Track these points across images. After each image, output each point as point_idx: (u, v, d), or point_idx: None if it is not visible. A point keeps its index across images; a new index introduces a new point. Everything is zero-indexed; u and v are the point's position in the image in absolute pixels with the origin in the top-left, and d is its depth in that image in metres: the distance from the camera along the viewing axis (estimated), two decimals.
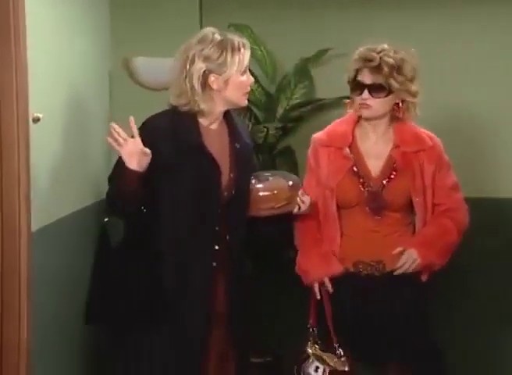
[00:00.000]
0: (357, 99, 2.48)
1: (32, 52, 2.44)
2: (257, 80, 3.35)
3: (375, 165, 2.53)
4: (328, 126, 2.63)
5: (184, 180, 2.33)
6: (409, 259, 2.47)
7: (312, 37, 3.35)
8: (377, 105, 2.48)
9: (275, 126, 3.29)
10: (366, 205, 2.49)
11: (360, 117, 2.56)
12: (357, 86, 2.48)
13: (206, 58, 2.33)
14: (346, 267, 2.53)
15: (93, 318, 2.38)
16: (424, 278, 2.55)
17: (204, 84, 2.34)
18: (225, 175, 2.39)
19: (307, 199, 2.44)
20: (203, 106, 2.35)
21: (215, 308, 2.41)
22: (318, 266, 2.52)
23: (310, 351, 2.51)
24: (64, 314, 2.77)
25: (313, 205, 2.50)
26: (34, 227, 2.49)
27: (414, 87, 2.48)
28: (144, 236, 2.33)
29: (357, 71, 2.48)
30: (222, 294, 2.41)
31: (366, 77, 2.46)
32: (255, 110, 3.40)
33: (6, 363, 2.41)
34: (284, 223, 2.50)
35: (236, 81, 2.37)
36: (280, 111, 3.37)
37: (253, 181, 2.42)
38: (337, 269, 2.51)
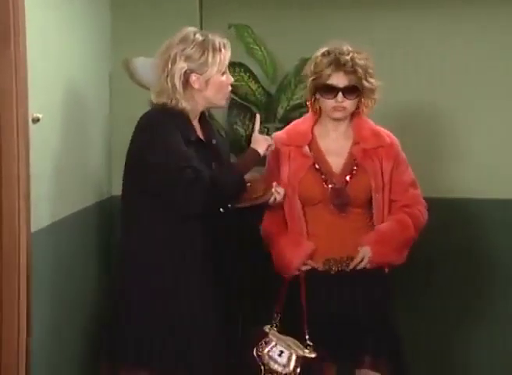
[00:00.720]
0: (330, 102, 2.53)
1: (32, 53, 2.44)
2: (257, 81, 3.37)
3: (336, 162, 2.58)
4: (289, 126, 2.69)
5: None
6: (363, 256, 2.51)
7: (313, 37, 3.28)
8: (350, 106, 2.55)
9: (275, 127, 3.27)
10: (330, 201, 2.53)
11: (319, 116, 2.60)
12: (329, 89, 2.52)
13: (188, 58, 2.38)
14: (316, 267, 2.55)
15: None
16: (386, 270, 2.59)
17: (186, 84, 2.39)
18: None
19: (281, 190, 2.50)
20: (184, 105, 2.40)
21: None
22: (291, 254, 2.53)
23: (267, 330, 2.50)
24: (63, 315, 2.76)
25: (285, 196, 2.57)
26: (34, 228, 2.48)
27: (375, 84, 2.55)
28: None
29: (327, 76, 2.51)
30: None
31: (339, 80, 2.51)
32: (255, 110, 3.37)
33: (5, 364, 2.40)
34: (259, 213, 2.59)
35: (216, 81, 2.43)
36: (281, 111, 3.37)
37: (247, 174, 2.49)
38: (309, 246, 2.54)
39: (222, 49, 2.42)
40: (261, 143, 2.45)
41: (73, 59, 2.90)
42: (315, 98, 2.60)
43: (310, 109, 2.64)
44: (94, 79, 3.14)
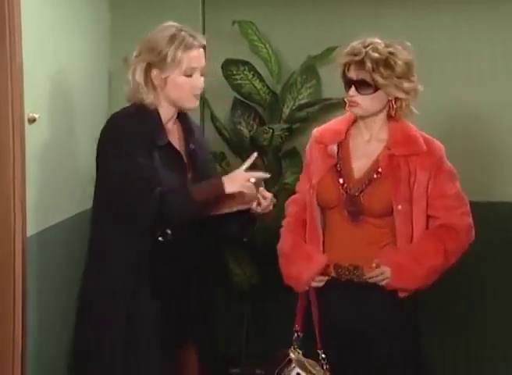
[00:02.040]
0: (347, 96, 2.40)
1: (28, 51, 2.41)
2: (261, 79, 3.36)
3: (360, 165, 2.42)
4: (327, 123, 2.55)
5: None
6: (380, 276, 2.35)
7: (320, 35, 3.30)
8: (365, 102, 2.36)
9: (280, 127, 3.24)
10: (344, 207, 2.40)
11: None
12: (346, 82, 2.40)
13: (151, 50, 2.25)
14: (329, 272, 2.44)
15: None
16: (402, 295, 2.40)
17: (148, 78, 2.27)
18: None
19: (268, 195, 2.33)
20: (154, 103, 2.28)
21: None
22: (302, 268, 2.42)
23: (293, 356, 2.41)
24: (58, 319, 2.74)
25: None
26: (29, 232, 2.47)
27: (405, 84, 2.35)
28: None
29: (345, 66, 2.39)
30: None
31: (352, 73, 2.37)
32: (260, 110, 3.38)
33: (1, 366, 2.39)
34: (244, 218, 2.40)
35: (174, 81, 2.26)
36: (286, 111, 3.33)
37: None
38: (321, 262, 2.40)
39: (191, 49, 2.25)
40: (235, 182, 2.23)
41: (71, 58, 2.88)
42: None
43: (345, 107, 2.46)
44: (92, 78, 3.12)
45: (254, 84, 3.31)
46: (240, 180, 2.24)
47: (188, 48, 2.24)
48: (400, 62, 2.34)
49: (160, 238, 2.23)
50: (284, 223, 2.54)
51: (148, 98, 2.26)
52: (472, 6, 3.28)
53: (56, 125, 2.74)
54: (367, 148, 2.42)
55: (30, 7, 2.45)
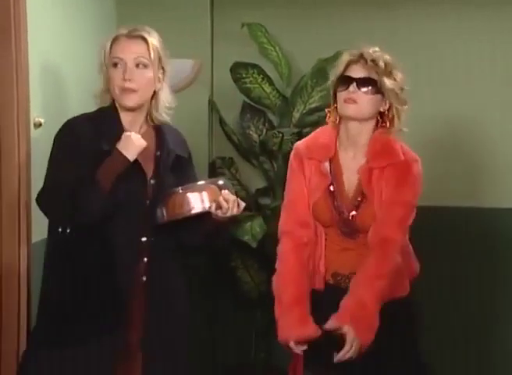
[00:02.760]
0: (343, 94, 2.34)
1: (33, 54, 2.41)
2: (271, 83, 3.35)
3: (350, 181, 2.39)
4: (309, 137, 2.49)
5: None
6: (350, 345, 2.25)
7: (331, 37, 3.30)
8: (363, 100, 2.32)
9: (290, 132, 3.22)
10: (338, 228, 2.39)
11: (339, 129, 2.42)
12: (344, 81, 2.34)
13: (102, 48, 2.26)
14: (327, 279, 2.42)
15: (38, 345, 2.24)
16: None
17: (107, 79, 2.27)
18: (148, 183, 2.28)
19: (231, 198, 2.24)
20: (102, 103, 2.28)
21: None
22: (295, 326, 2.33)
23: None
24: None
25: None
26: (34, 238, 2.46)
27: (403, 96, 2.36)
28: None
29: (347, 67, 2.36)
30: (141, 317, 2.25)
31: (356, 71, 2.33)
32: (269, 114, 3.39)
33: (6, 370, 2.39)
34: (209, 224, 2.31)
35: (109, 75, 2.25)
36: (296, 115, 3.31)
37: (178, 188, 2.28)
38: (313, 332, 2.30)
39: (112, 41, 2.23)
40: (130, 146, 2.17)
41: (77, 62, 2.88)
42: (336, 105, 2.41)
43: (328, 118, 2.44)
44: (98, 80, 3.04)
45: (263, 88, 3.30)
46: (130, 140, 2.18)
47: (115, 38, 2.23)
48: (399, 75, 2.36)
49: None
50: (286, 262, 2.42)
51: (106, 101, 2.27)
52: (480, 8, 3.29)
53: None
54: (352, 164, 2.39)
55: (36, 10, 2.44)
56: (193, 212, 2.23)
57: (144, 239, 2.25)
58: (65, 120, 2.71)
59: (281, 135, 3.17)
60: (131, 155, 2.18)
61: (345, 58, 2.37)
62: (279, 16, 3.35)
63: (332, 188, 2.38)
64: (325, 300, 2.37)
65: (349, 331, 2.23)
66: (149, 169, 2.29)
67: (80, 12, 2.88)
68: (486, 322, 3.37)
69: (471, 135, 3.35)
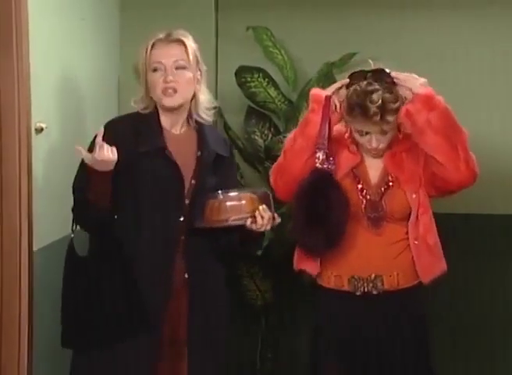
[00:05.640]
0: (363, 141, 2.37)
1: (35, 58, 2.40)
2: (277, 87, 3.35)
3: (373, 170, 2.43)
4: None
5: (146, 184, 2.33)
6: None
7: (337, 40, 3.28)
8: (384, 143, 2.38)
9: None
10: (364, 215, 2.38)
11: None
12: (361, 133, 2.36)
13: (142, 54, 2.36)
14: (341, 285, 2.41)
15: (68, 342, 2.35)
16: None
17: (145, 83, 2.36)
18: (187, 182, 2.36)
19: (267, 215, 2.30)
20: (147, 107, 2.37)
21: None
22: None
23: None
24: None
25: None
26: (36, 246, 2.44)
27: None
28: (115, 244, 2.31)
29: (356, 121, 2.34)
30: (186, 306, 2.33)
31: (370, 128, 2.33)
32: (275, 119, 3.36)
33: None
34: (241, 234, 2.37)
35: (149, 79, 2.35)
36: None
37: (219, 193, 2.35)
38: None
39: (150, 47, 2.33)
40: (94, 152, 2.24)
41: (80, 66, 2.88)
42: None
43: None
44: (101, 86, 3.10)
45: (268, 92, 3.28)
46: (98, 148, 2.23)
47: (152, 44, 2.33)
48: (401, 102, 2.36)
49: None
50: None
51: (145, 104, 2.35)
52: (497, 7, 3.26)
53: (64, 135, 2.71)
54: (374, 160, 2.42)
55: (38, 15, 2.43)
56: (229, 223, 2.29)
57: (182, 237, 2.31)
58: (66, 125, 2.72)
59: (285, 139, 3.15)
60: (101, 168, 2.24)
61: (353, 114, 2.32)
62: (285, 19, 3.32)
63: (355, 172, 2.40)
64: (338, 312, 2.38)
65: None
66: (190, 169, 2.35)
67: (82, 15, 2.87)
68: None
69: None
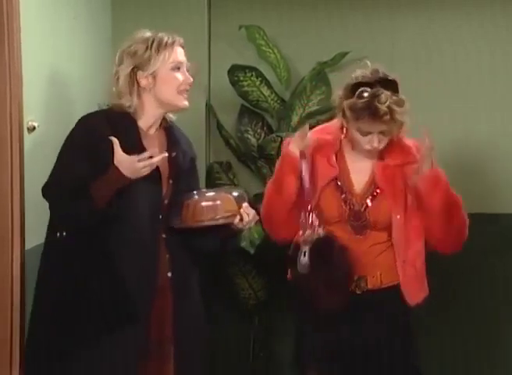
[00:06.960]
0: (364, 141, 2.38)
1: (27, 56, 2.39)
2: (269, 86, 3.35)
3: (358, 179, 2.44)
4: (315, 131, 2.51)
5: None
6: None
7: (330, 40, 3.31)
8: (382, 143, 2.39)
9: (289, 136, 3.15)
10: (347, 223, 2.42)
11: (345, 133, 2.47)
12: (363, 132, 2.37)
13: (133, 54, 2.32)
14: None
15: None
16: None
17: (133, 83, 2.32)
18: (165, 182, 2.36)
19: (251, 211, 2.34)
20: (131, 108, 2.32)
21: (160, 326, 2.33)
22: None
23: None
24: None
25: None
26: (28, 245, 2.44)
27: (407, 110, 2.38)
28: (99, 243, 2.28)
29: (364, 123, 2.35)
30: (170, 312, 2.33)
31: (375, 127, 2.34)
32: (268, 118, 3.37)
33: None
34: (223, 233, 2.38)
35: (164, 77, 2.32)
36: (295, 119, 3.30)
37: (194, 193, 2.36)
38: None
39: (171, 45, 2.33)
40: (127, 166, 2.21)
41: (72, 64, 2.86)
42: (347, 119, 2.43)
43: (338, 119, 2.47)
44: (94, 84, 3.07)
45: (261, 91, 3.29)
46: (130, 162, 2.21)
47: (170, 44, 2.33)
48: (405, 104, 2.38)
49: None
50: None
51: (130, 103, 2.31)
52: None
53: (56, 133, 2.64)
54: (362, 162, 2.44)
55: (30, 12, 2.42)
56: (205, 223, 2.29)
57: (163, 236, 2.32)
58: (59, 124, 2.71)
59: (280, 139, 3.14)
60: (127, 173, 2.22)
61: (360, 112, 2.32)
62: (278, 18, 3.34)
63: (338, 183, 2.42)
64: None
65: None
66: (165, 169, 2.34)
67: (74, 12, 2.86)
68: None
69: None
